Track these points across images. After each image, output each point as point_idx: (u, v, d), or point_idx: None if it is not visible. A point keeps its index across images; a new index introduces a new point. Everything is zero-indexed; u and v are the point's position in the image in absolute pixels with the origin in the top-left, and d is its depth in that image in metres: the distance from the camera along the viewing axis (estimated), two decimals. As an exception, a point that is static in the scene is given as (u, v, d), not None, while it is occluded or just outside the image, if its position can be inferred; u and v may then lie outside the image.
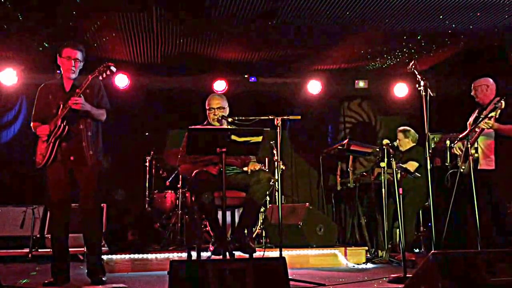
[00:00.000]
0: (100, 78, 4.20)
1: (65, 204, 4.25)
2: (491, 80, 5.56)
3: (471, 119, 5.62)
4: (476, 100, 5.60)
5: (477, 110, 5.63)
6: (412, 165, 6.09)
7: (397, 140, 6.51)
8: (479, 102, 5.57)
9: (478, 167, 5.29)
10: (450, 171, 5.51)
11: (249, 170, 4.63)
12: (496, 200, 5.31)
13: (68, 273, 4.27)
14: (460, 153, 5.40)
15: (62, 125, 4.13)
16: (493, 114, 5.03)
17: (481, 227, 4.97)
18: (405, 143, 6.48)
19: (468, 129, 5.48)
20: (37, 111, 4.36)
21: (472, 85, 5.62)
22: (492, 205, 5.33)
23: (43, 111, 4.32)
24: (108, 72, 4.17)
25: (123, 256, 5.27)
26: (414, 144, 6.50)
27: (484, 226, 5.18)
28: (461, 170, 5.31)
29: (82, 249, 5.90)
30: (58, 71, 7.34)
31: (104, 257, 5.06)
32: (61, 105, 4.17)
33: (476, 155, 5.28)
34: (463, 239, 6.19)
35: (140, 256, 5.29)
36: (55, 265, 4.23)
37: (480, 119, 5.24)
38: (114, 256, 5.23)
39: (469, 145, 5.09)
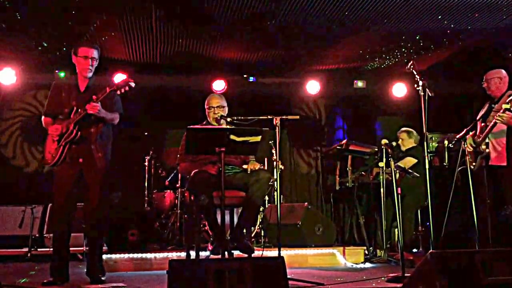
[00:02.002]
0: (118, 92, 4.20)
1: (69, 203, 4.27)
2: (504, 71, 5.38)
3: (481, 113, 5.44)
4: (487, 92, 5.40)
5: (487, 104, 5.44)
6: (410, 161, 6.11)
7: (400, 140, 6.51)
8: (491, 94, 5.38)
9: (489, 163, 5.19)
10: (459, 168, 5.43)
11: (249, 169, 4.64)
12: (504, 197, 5.24)
13: (67, 272, 4.28)
14: (471, 149, 5.28)
15: (74, 130, 4.18)
16: (507, 106, 4.86)
17: (485, 224, 4.96)
18: (409, 143, 6.50)
19: (471, 125, 5.40)
20: (49, 107, 4.39)
21: (484, 77, 5.43)
22: (500, 202, 5.25)
23: (55, 108, 4.35)
24: (126, 88, 4.17)
25: (122, 255, 5.27)
26: (416, 144, 6.52)
27: (488, 224, 5.16)
28: (471, 167, 5.23)
29: (82, 248, 5.92)
30: (57, 72, 7.41)
31: (104, 256, 5.04)
32: (74, 107, 4.21)
33: (487, 150, 5.21)
34: (463, 239, 6.20)
35: (139, 255, 5.30)
36: (54, 264, 4.23)
37: (493, 110, 5.13)
38: (113, 256, 5.24)
39: (466, 143, 5.06)
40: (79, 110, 4.17)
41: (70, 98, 4.29)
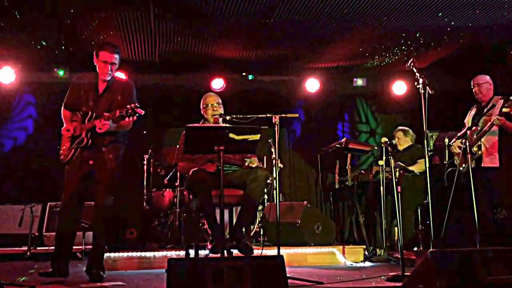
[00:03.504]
0: (127, 119, 4.20)
1: (76, 202, 4.31)
2: (489, 77, 5.52)
3: (468, 117, 5.57)
4: (478, 96, 5.49)
5: (475, 108, 5.57)
6: (423, 164, 6.05)
7: (396, 139, 6.49)
8: (480, 99, 5.48)
9: (482, 165, 5.25)
10: (449, 169, 5.48)
11: (248, 162, 4.64)
12: (497, 198, 5.27)
13: (68, 268, 4.28)
14: (459, 151, 5.35)
15: (85, 138, 4.25)
16: (507, 110, 4.94)
17: (482, 225, 4.96)
18: (405, 142, 6.48)
19: (465, 127, 5.45)
20: (68, 101, 4.43)
21: (473, 81, 5.52)
22: (493, 204, 5.29)
23: (73, 103, 4.40)
24: (135, 118, 4.19)
25: (121, 254, 5.26)
26: (412, 143, 6.50)
27: (484, 224, 5.17)
28: (461, 169, 5.28)
29: (80, 247, 5.92)
30: (56, 70, 7.41)
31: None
32: (89, 111, 4.27)
33: (479, 152, 5.24)
34: (462, 237, 6.18)
35: (139, 254, 5.29)
36: (55, 259, 4.24)
37: (485, 114, 5.19)
38: (112, 254, 5.23)
39: (467, 143, 5.07)
40: (93, 116, 4.24)
41: (88, 97, 4.35)
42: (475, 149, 5.22)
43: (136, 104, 4.15)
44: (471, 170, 5.14)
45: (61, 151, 4.36)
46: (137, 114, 4.15)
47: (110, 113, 4.19)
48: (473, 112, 5.55)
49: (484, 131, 5.17)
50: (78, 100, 4.37)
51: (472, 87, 5.55)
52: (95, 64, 4.37)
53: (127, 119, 4.18)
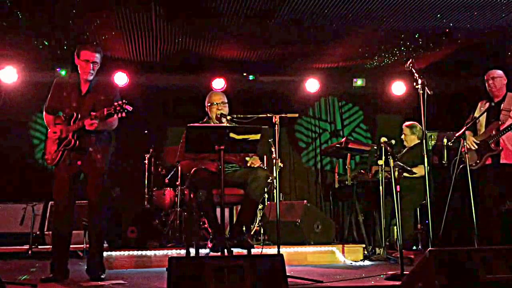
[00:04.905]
0: (115, 117, 4.22)
1: (69, 203, 4.30)
2: (502, 72, 5.44)
3: (480, 112, 5.44)
4: (492, 90, 5.39)
5: (486, 103, 5.46)
6: (422, 169, 6.07)
7: (403, 135, 6.49)
8: (493, 93, 5.38)
9: (500, 161, 5.22)
10: (461, 165, 5.44)
11: (249, 162, 4.67)
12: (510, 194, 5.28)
13: (67, 269, 4.30)
14: (475, 147, 5.29)
15: (72, 140, 4.23)
16: None
17: (490, 221, 4.98)
18: (411, 139, 6.45)
19: (477, 122, 5.41)
20: (50, 104, 4.42)
21: (487, 75, 5.42)
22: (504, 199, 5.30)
23: (55, 106, 4.39)
24: (123, 114, 4.17)
25: (122, 252, 5.29)
26: (419, 141, 6.50)
27: (492, 220, 5.19)
28: (473, 166, 5.24)
29: (81, 246, 5.95)
30: (58, 70, 7.42)
31: (104, 253, 5.07)
32: (75, 113, 4.24)
33: (499, 148, 5.23)
34: (463, 236, 6.20)
35: (139, 252, 5.32)
36: (54, 261, 4.26)
37: (503, 110, 5.19)
38: (113, 253, 5.26)
39: (465, 142, 5.07)
40: (78, 117, 4.21)
41: (71, 99, 4.32)
42: (492, 145, 5.22)
43: (124, 101, 4.13)
44: (487, 166, 5.15)
45: (46, 155, 4.34)
46: (125, 110, 4.13)
47: (97, 112, 4.17)
48: (484, 107, 5.43)
49: (507, 127, 5.14)
50: (60, 101, 4.34)
51: (485, 81, 5.44)
52: (77, 64, 4.35)
53: (115, 116, 4.18)
